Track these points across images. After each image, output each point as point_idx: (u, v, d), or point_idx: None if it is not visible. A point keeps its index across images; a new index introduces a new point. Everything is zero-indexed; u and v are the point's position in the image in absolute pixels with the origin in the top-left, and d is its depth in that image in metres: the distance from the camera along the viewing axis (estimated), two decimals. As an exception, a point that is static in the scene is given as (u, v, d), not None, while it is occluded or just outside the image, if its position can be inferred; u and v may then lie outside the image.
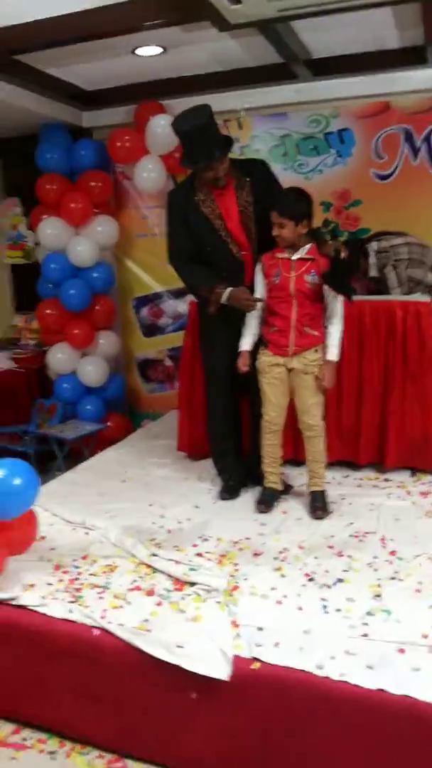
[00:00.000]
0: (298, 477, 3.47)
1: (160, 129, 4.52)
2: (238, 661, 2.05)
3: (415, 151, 4.49)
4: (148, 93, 4.81)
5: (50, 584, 2.50)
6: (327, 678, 1.96)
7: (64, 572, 2.59)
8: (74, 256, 4.84)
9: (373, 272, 4.09)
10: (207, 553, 2.72)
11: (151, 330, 5.44)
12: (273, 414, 3.16)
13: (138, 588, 2.45)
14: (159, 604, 2.34)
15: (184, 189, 3.24)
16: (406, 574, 2.50)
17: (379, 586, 2.42)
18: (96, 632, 2.23)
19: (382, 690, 1.90)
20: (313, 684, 1.96)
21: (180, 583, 2.47)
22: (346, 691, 1.93)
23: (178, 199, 3.22)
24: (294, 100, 4.69)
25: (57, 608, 2.33)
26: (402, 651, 2.03)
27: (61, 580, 2.53)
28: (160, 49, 4.16)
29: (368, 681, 1.93)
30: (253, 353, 3.17)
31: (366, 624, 2.18)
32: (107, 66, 4.40)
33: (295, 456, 3.57)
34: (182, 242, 3.21)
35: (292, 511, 3.16)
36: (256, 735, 2.04)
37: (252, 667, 2.03)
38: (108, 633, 2.21)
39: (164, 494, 3.41)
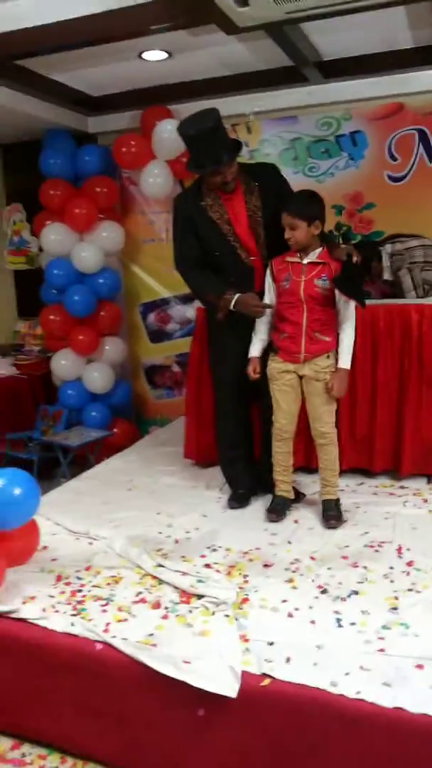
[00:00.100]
0: (311, 485, 3.37)
1: (167, 134, 4.47)
2: (247, 677, 1.94)
3: (430, 152, 4.40)
4: (155, 98, 4.78)
5: (51, 596, 2.41)
6: (342, 696, 1.84)
7: (66, 584, 2.50)
8: (78, 261, 4.78)
9: (387, 275, 4.02)
10: (215, 564, 2.62)
11: (159, 336, 5.38)
12: (284, 421, 3.07)
13: (143, 600, 2.35)
14: (165, 617, 2.24)
15: (191, 194, 3.16)
16: (424, 585, 2.39)
17: (395, 598, 2.31)
18: (99, 646, 2.13)
19: (399, 708, 1.79)
20: (327, 702, 1.85)
21: (187, 596, 2.36)
22: (361, 709, 1.81)
23: (185, 204, 3.14)
24: (304, 102, 4.64)
25: (58, 621, 2.24)
26: (420, 667, 1.92)
27: (62, 592, 2.44)
28: (165, 54, 4.11)
29: (385, 699, 1.81)
30: (264, 359, 3.08)
31: (382, 638, 2.07)
32: (113, 71, 4.37)
33: (307, 463, 3.48)
34: (189, 248, 3.13)
35: (304, 520, 3.06)
36: (266, 754, 1.93)
37: (262, 684, 1.92)
38: (111, 647, 2.11)
39: (171, 503, 3.31)
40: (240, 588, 2.41)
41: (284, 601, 2.31)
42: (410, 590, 2.36)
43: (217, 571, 2.54)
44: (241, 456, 3.36)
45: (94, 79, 4.56)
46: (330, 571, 2.53)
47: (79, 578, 2.54)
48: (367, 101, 4.50)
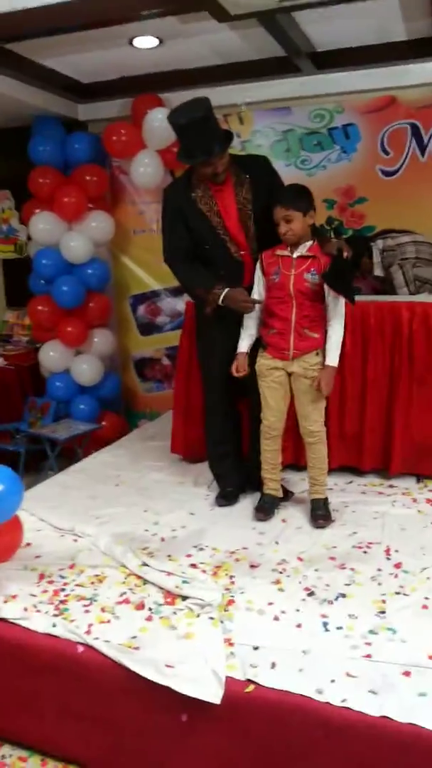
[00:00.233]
0: (300, 483, 3.33)
1: (158, 123, 4.40)
2: (231, 683, 1.91)
3: (423, 147, 4.36)
4: (146, 86, 4.70)
5: (34, 595, 2.37)
6: (327, 703, 1.81)
7: (49, 582, 2.46)
8: (67, 251, 4.71)
9: (378, 271, 3.98)
10: (201, 563, 2.58)
11: (149, 328, 5.32)
12: (272, 419, 3.03)
13: (127, 601, 2.32)
14: (149, 618, 2.20)
15: (180, 185, 3.09)
16: (412, 588, 2.36)
17: (383, 601, 2.28)
18: (80, 648, 2.10)
19: (385, 717, 1.76)
20: (312, 710, 1.82)
21: (172, 597, 2.33)
22: (347, 717, 1.78)
23: (175, 195, 3.08)
24: (297, 94, 4.58)
25: (40, 622, 2.20)
26: (407, 674, 1.89)
27: (45, 591, 2.40)
28: (156, 41, 4.04)
29: (371, 707, 1.79)
30: (253, 355, 3.03)
31: (369, 644, 2.04)
32: (103, 57, 4.29)
33: (296, 461, 3.44)
34: (178, 240, 3.06)
35: (292, 519, 3.02)
36: (249, 762, 1.91)
37: (246, 690, 1.89)
38: (93, 650, 2.07)
39: (159, 499, 3.27)
40: (226, 589, 2.38)
41: (270, 603, 2.28)
42: (398, 593, 2.33)
43: (203, 571, 2.50)
44: (230, 453, 3.32)
45: (84, 66, 4.48)
46: (317, 572, 2.49)
47: (62, 577, 2.50)
48: (360, 93, 4.44)
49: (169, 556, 2.65)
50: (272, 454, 3.08)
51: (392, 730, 1.74)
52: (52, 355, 4.92)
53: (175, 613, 2.23)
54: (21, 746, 2.22)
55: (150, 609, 2.26)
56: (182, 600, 2.30)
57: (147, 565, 2.53)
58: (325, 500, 3.02)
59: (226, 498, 3.22)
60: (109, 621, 2.20)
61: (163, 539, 2.83)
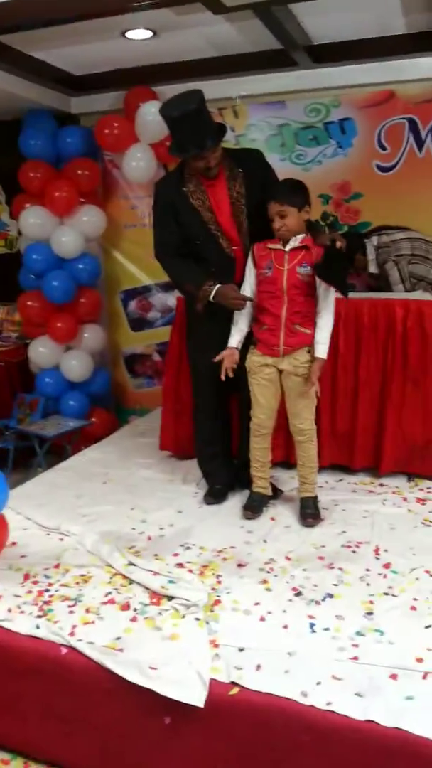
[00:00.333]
0: (290, 481, 3.30)
1: (151, 116, 4.34)
2: (215, 685, 1.88)
3: (420, 143, 4.31)
4: (139, 78, 4.65)
5: (18, 596, 2.33)
6: (312, 707, 1.78)
7: (34, 582, 2.42)
8: (58, 246, 4.67)
9: (372, 268, 3.95)
10: (188, 563, 2.54)
11: (140, 324, 5.28)
12: (262, 417, 2.99)
13: (112, 601, 2.28)
14: (134, 619, 2.17)
15: (172, 179, 3.04)
16: (401, 589, 2.33)
17: (371, 602, 2.25)
18: (64, 650, 2.06)
19: (371, 721, 1.73)
20: (297, 713, 1.79)
21: (157, 597, 2.29)
22: (332, 721, 1.76)
23: (166, 190, 3.03)
24: (293, 88, 4.53)
25: (23, 623, 2.16)
26: (394, 677, 1.86)
27: (29, 592, 2.36)
28: (150, 33, 3.98)
29: (357, 711, 1.76)
30: (244, 352, 2.99)
31: (356, 645, 2.01)
32: (96, 50, 4.23)
33: (286, 458, 3.41)
34: (169, 235, 3.02)
35: (281, 517, 2.98)
36: (233, 766, 1.87)
37: (230, 693, 1.86)
38: (77, 651, 2.04)
39: (147, 497, 3.23)
40: (212, 589, 2.34)
41: (257, 603, 2.24)
42: (386, 594, 2.30)
43: (190, 571, 2.46)
44: (219, 451, 3.28)
45: (76, 58, 4.42)
46: (305, 572, 2.46)
47: (47, 577, 2.46)
48: (358, 88, 4.40)
49: (155, 555, 2.61)
50: (262, 452, 3.04)
51: (378, 735, 1.71)
52: (41, 351, 4.87)
53: (160, 613, 2.19)
54: (3, 749, 2.18)
55: (135, 609, 2.22)
56: (168, 600, 2.26)
57: (133, 564, 2.49)
58: (315, 499, 2.98)
59: (214, 496, 3.18)
60: (93, 622, 2.16)
61: (150, 538, 2.79)
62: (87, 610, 2.22)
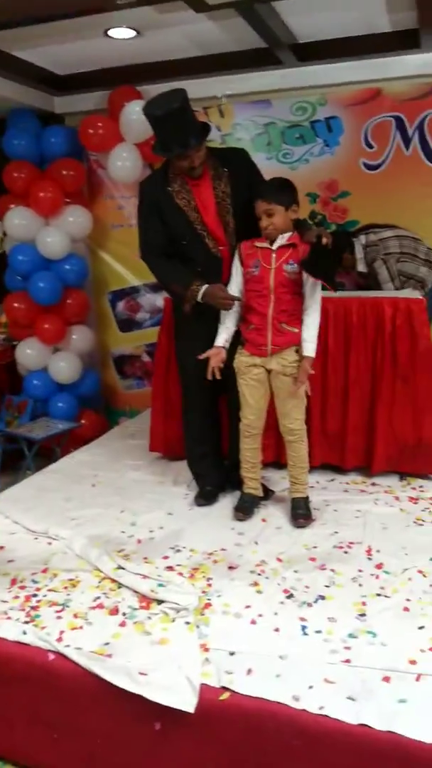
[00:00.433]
0: (281, 481, 3.27)
1: (135, 115, 4.30)
2: (205, 690, 1.85)
3: (407, 141, 4.30)
4: (124, 78, 4.61)
5: (5, 601, 2.29)
6: (304, 711, 1.76)
7: (21, 587, 2.39)
8: (44, 247, 4.62)
9: (361, 267, 3.92)
10: (178, 566, 2.51)
11: (128, 325, 5.24)
12: (252, 417, 2.96)
13: (101, 606, 2.25)
14: (123, 624, 2.13)
15: (157, 178, 3.01)
16: (394, 590, 2.31)
17: (363, 603, 2.23)
18: (51, 656, 2.03)
19: (364, 725, 1.70)
20: (288, 717, 1.76)
21: (147, 601, 2.26)
22: (324, 726, 1.73)
23: (151, 189, 3.00)
24: (278, 86, 4.50)
25: (10, 629, 2.13)
26: (387, 679, 1.84)
27: (17, 597, 2.32)
28: (133, 32, 3.95)
29: (349, 715, 1.73)
30: (232, 352, 2.96)
31: (348, 648, 1.98)
32: (79, 48, 4.20)
33: (277, 459, 3.39)
34: (155, 235, 2.99)
35: (272, 518, 2.96)
36: (225, 772, 1.85)
37: (220, 697, 1.83)
38: (65, 657, 2.00)
39: (137, 499, 3.19)
40: (203, 592, 2.31)
41: (248, 606, 2.22)
42: (379, 595, 2.28)
43: (180, 573, 2.44)
44: (209, 452, 3.25)
45: (59, 57, 4.38)
46: (297, 574, 2.44)
47: (35, 581, 2.42)
48: (343, 86, 4.38)
49: (145, 558, 2.58)
50: (252, 453, 3.01)
51: (371, 739, 1.69)
52: (29, 353, 4.82)
53: (149, 617, 2.16)
54: (-8, 757, 2.15)
55: (124, 614, 2.19)
56: (158, 604, 2.23)
57: (122, 568, 2.46)
58: (306, 499, 2.96)
59: (205, 497, 3.15)
60: (81, 627, 2.13)
61: (139, 541, 2.76)
62: (75, 615, 2.18)
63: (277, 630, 2.09)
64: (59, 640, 2.06)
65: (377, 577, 2.40)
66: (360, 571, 2.45)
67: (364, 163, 4.42)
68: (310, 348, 2.82)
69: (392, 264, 3.77)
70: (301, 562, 2.53)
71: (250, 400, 2.95)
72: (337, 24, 3.97)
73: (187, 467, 3.36)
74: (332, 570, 2.45)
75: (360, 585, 2.35)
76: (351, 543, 2.68)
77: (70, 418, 4.81)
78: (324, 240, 2.66)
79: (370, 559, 2.54)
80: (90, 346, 5.07)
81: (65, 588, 2.37)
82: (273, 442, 3.30)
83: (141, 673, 1.89)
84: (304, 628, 2.09)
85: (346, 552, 2.61)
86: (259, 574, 2.44)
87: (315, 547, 2.66)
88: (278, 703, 1.78)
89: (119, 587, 2.36)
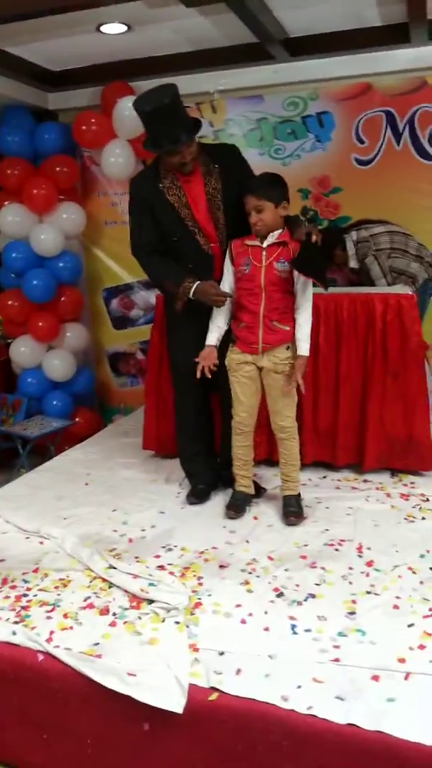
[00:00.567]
0: (273, 479, 3.27)
1: (128, 111, 4.27)
2: (194, 691, 1.85)
3: (398, 135, 4.29)
4: (116, 73, 4.60)
5: (-5, 602, 2.29)
6: (292, 711, 1.75)
7: (12, 587, 2.38)
8: (37, 244, 4.61)
9: (353, 263, 3.92)
10: (170, 564, 2.51)
11: (122, 322, 5.24)
12: (243, 415, 2.96)
13: (91, 606, 2.24)
14: (113, 624, 2.13)
15: (148, 175, 2.99)
16: (384, 587, 2.31)
17: (353, 602, 2.22)
18: (41, 657, 2.02)
19: (352, 725, 1.70)
20: (277, 718, 1.76)
21: (137, 601, 2.26)
22: (313, 726, 1.72)
23: (142, 186, 2.98)
24: (270, 81, 4.50)
25: (0, 630, 2.12)
26: (376, 678, 1.84)
27: (7, 597, 2.32)
28: (125, 27, 3.93)
29: (337, 714, 1.73)
30: (224, 349, 2.96)
31: (337, 647, 1.98)
32: (72, 44, 4.19)
33: (270, 456, 3.38)
34: (146, 232, 2.97)
35: (263, 516, 2.96)
36: (214, 772, 1.85)
37: (209, 698, 1.83)
38: (54, 658, 2.00)
39: (129, 498, 3.19)
40: (193, 591, 2.31)
41: (238, 605, 2.21)
42: (369, 593, 2.28)
43: (171, 573, 2.43)
44: (202, 450, 3.25)
45: (52, 53, 4.38)
46: (287, 572, 2.43)
47: (25, 581, 2.42)
48: (335, 81, 4.37)
49: (136, 557, 2.57)
50: (244, 451, 3.01)
51: (359, 739, 1.68)
52: (23, 351, 4.82)
53: (140, 617, 2.16)
54: (-18, 757, 2.15)
55: (114, 614, 2.19)
56: (148, 603, 2.23)
57: (113, 567, 2.46)
58: (298, 497, 2.96)
59: (197, 496, 3.14)
60: (71, 627, 2.12)
61: (131, 540, 2.75)
62: (65, 616, 2.18)
63: (266, 629, 2.09)
64: (49, 640, 2.05)
65: (367, 574, 2.40)
66: (350, 568, 2.45)
67: (355, 159, 4.42)
68: (303, 347, 2.81)
69: (383, 260, 3.77)
70: (292, 560, 2.53)
71: (241, 397, 2.94)
72: (328, 18, 3.96)
73: (180, 465, 3.36)
74: (323, 568, 2.45)
75: (350, 583, 2.35)
76: (342, 540, 2.68)
77: (65, 416, 4.81)
78: (314, 237, 2.65)
79: (360, 556, 2.54)
80: (84, 343, 5.07)
81: (56, 588, 2.37)
82: (265, 440, 3.30)
83: (130, 674, 1.89)
84: (293, 627, 2.09)
85: (336, 550, 2.61)
86: (250, 573, 2.44)
87: (306, 545, 2.65)
88: (267, 703, 1.78)
89: (110, 587, 2.36)
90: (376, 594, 2.27)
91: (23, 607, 2.25)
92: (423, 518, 2.86)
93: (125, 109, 4.36)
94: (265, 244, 2.79)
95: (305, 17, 3.91)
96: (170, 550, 2.65)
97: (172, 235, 2.93)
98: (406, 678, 1.84)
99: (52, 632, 2.09)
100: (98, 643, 2.04)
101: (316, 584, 2.35)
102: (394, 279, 3.81)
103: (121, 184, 4.86)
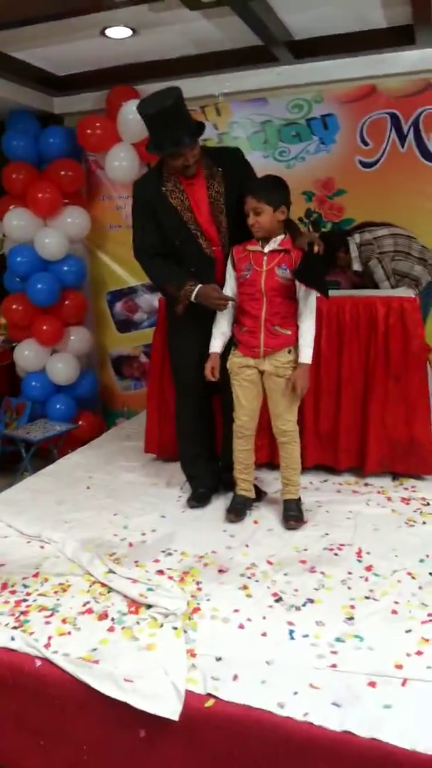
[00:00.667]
0: (274, 482, 3.26)
1: (133, 115, 4.26)
2: (191, 697, 1.84)
3: (402, 137, 4.27)
4: (121, 77, 4.60)
5: (-5, 606, 2.29)
6: (288, 718, 1.75)
7: (12, 592, 2.39)
8: (42, 248, 4.62)
9: (356, 266, 3.91)
10: (169, 569, 2.51)
11: (126, 325, 5.24)
12: (245, 418, 2.95)
13: (90, 611, 2.24)
14: (111, 629, 2.13)
15: (151, 178, 3.00)
16: (383, 592, 2.30)
17: (352, 607, 2.22)
18: (38, 663, 2.02)
19: (348, 732, 1.69)
20: (273, 725, 1.75)
21: (136, 605, 2.26)
22: (309, 733, 1.72)
23: (144, 189, 2.99)
24: (275, 84, 4.49)
25: (-2, 635, 2.13)
26: (372, 684, 1.83)
27: (6, 602, 2.32)
28: (129, 31, 3.94)
29: (334, 721, 1.72)
30: (225, 353, 2.96)
31: (335, 652, 1.97)
32: (77, 49, 4.20)
33: (271, 459, 3.37)
34: (149, 235, 2.98)
35: (263, 520, 2.95)
36: (210, 779, 1.84)
37: (206, 704, 1.82)
38: (52, 664, 2.00)
39: (130, 502, 3.19)
40: (192, 596, 2.31)
41: (236, 610, 2.21)
42: (367, 598, 2.27)
43: (170, 577, 2.43)
44: (203, 454, 3.24)
45: (57, 58, 4.39)
46: (286, 576, 2.43)
47: (25, 586, 2.42)
48: (339, 83, 4.35)
49: (136, 561, 2.57)
50: (245, 454, 3.01)
51: (355, 746, 1.68)
52: (27, 355, 4.82)
53: (138, 623, 2.16)
54: (-21, 762, 2.16)
55: (113, 619, 2.18)
56: (146, 608, 2.23)
57: (113, 572, 2.46)
58: (298, 501, 2.95)
59: (198, 500, 3.14)
60: (69, 633, 2.12)
61: (131, 545, 2.75)
62: (63, 621, 2.18)
63: (264, 635, 2.08)
64: (47, 645, 2.05)
65: (366, 579, 2.39)
66: (349, 573, 2.44)
67: (359, 161, 4.40)
68: (307, 355, 2.81)
69: (387, 263, 3.75)
70: (291, 564, 2.53)
71: (243, 401, 2.94)
72: (333, 20, 3.95)
73: (181, 469, 3.35)
74: (322, 573, 2.44)
75: (349, 588, 2.34)
76: (341, 545, 2.67)
77: (68, 420, 4.82)
78: (315, 248, 2.65)
79: (360, 561, 2.53)
80: (88, 347, 5.08)
81: (55, 592, 2.37)
82: (266, 443, 3.30)
83: (126, 680, 1.89)
84: (291, 632, 2.08)
85: (336, 554, 2.60)
86: (249, 578, 2.44)
87: (305, 550, 2.65)
88: (263, 710, 1.77)
89: (109, 592, 2.36)
90: (374, 599, 2.26)
91: (22, 612, 2.25)
92: (423, 522, 2.85)
93: (129, 113, 4.36)
94: (266, 250, 2.78)
95: (309, 19, 3.90)
96: (170, 554, 2.65)
97: (174, 239, 2.94)
98: (403, 684, 1.83)
99: (50, 637, 2.09)
100: (96, 649, 2.03)
101: (315, 589, 2.34)
102: (398, 282, 3.79)
103: (126, 187, 4.85)
